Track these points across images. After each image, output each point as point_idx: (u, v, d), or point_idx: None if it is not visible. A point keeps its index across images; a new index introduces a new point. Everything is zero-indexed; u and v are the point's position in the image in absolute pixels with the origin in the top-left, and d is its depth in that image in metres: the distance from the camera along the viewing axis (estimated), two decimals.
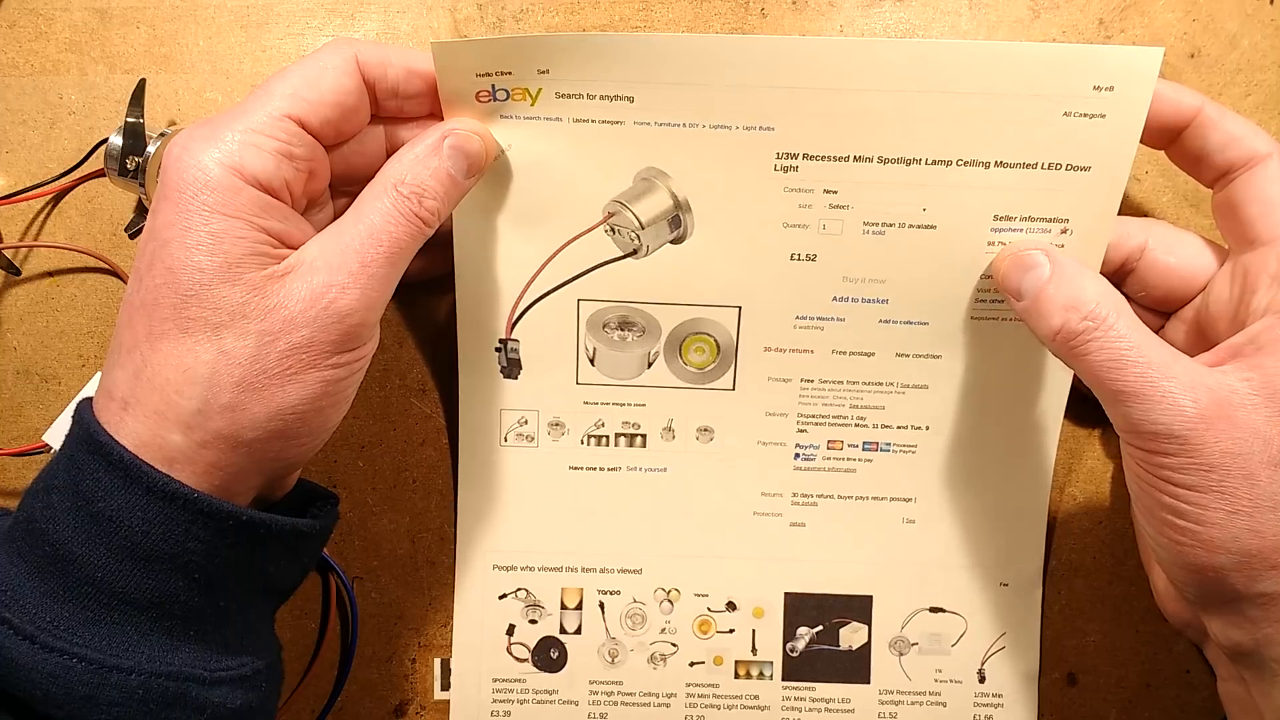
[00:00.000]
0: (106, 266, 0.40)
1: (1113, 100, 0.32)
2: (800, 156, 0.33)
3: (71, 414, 0.29)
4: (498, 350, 0.37)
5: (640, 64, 0.32)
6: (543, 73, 0.32)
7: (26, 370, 0.40)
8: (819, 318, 0.36)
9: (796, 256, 0.35)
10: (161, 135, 0.37)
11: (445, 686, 0.40)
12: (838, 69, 0.32)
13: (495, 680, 0.39)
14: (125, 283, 0.40)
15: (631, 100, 0.32)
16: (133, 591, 0.26)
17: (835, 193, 0.34)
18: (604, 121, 0.33)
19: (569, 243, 0.35)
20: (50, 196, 0.40)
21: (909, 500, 0.39)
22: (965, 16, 0.39)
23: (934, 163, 0.33)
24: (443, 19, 0.40)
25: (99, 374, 0.38)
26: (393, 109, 0.32)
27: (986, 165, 0.33)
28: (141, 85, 0.38)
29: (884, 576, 0.39)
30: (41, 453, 0.38)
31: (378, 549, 0.40)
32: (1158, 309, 0.35)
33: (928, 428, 0.38)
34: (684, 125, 0.33)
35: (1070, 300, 0.30)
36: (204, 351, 0.27)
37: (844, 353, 0.37)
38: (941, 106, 0.32)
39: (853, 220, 0.35)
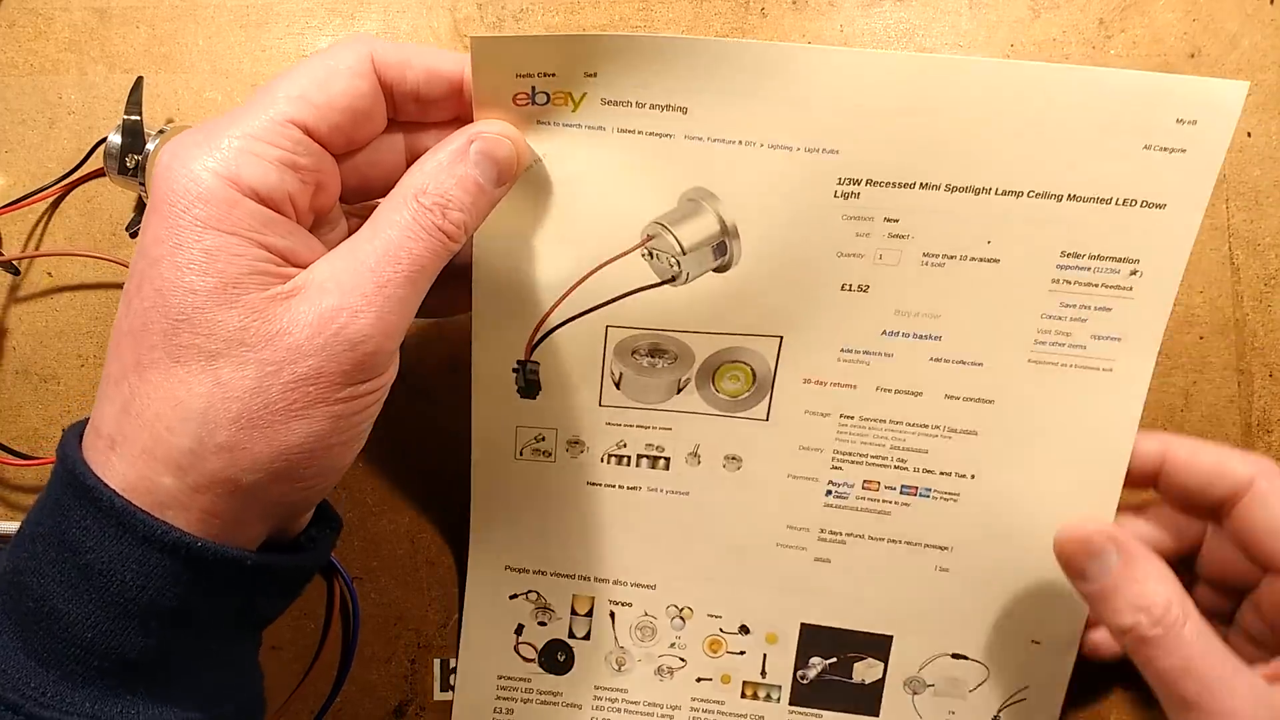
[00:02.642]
0: (110, 262, 0.40)
1: (1194, 135, 0.30)
2: (864, 183, 0.31)
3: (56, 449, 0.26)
4: (515, 371, 0.34)
5: (699, 70, 0.29)
6: (589, 76, 0.29)
7: (26, 370, 0.40)
8: (866, 352, 0.34)
9: (848, 287, 0.33)
10: (160, 133, 0.37)
11: (445, 687, 0.40)
12: (913, 88, 0.30)
13: (500, 678, 0.39)
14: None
15: (685, 111, 0.30)
16: (127, 650, 0.24)
17: (896, 221, 0.32)
18: (652, 134, 0.30)
19: (601, 267, 0.32)
20: (50, 199, 0.39)
21: (945, 549, 0.36)
22: (965, 16, 0.39)
23: (1004, 193, 0.31)
24: (442, 19, 0.40)
25: None
26: (413, 114, 0.29)
27: (1059, 198, 0.31)
28: (139, 83, 0.38)
29: (907, 619, 0.37)
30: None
31: (378, 549, 0.40)
32: (1226, 584, 0.33)
33: (973, 476, 0.35)
34: (740, 143, 0.30)
35: (1141, 600, 0.29)
36: (197, 383, 0.24)
37: (889, 390, 0.34)
38: (1018, 133, 0.30)
39: (912, 251, 0.32)
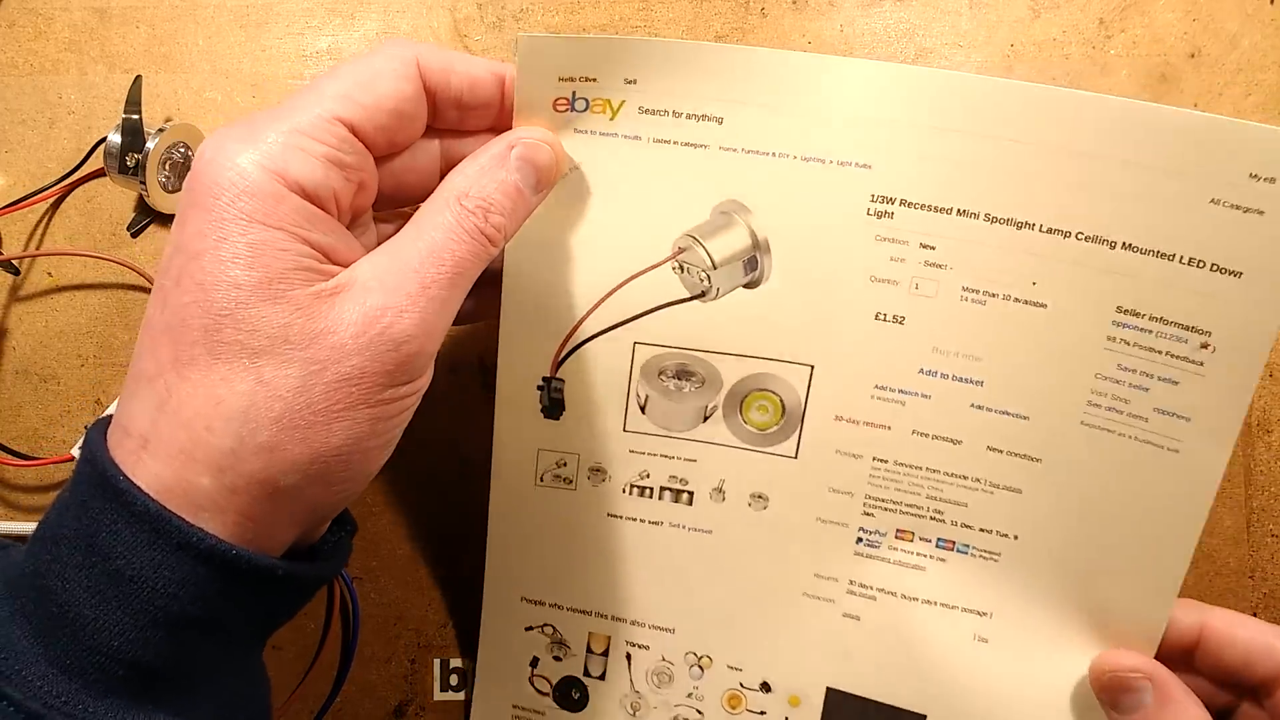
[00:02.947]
0: (110, 262, 0.40)
1: (1273, 195, 0.27)
2: (897, 202, 0.30)
3: (79, 447, 0.25)
4: (540, 389, 0.33)
5: (736, 80, 0.29)
6: (630, 83, 0.29)
7: (26, 370, 0.40)
8: (901, 390, 0.32)
9: (882, 317, 0.31)
10: (160, 131, 0.37)
11: (445, 687, 0.40)
12: (949, 106, 0.28)
13: (515, 707, 0.38)
14: (132, 269, 0.40)
15: (720, 122, 0.29)
16: (153, 659, 0.23)
17: (933, 249, 0.30)
18: (687, 144, 0.30)
19: (631, 279, 0.31)
20: (51, 199, 0.40)
21: (984, 615, 0.33)
22: (965, 16, 0.39)
23: (1049, 231, 0.29)
24: (443, 19, 0.40)
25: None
26: (452, 120, 0.29)
27: (1111, 245, 0.29)
28: (138, 82, 0.38)
29: (944, 697, 0.33)
30: (70, 462, 0.38)
31: (377, 549, 0.40)
32: None
33: (1016, 538, 0.32)
34: (773, 155, 0.30)
35: None
36: (239, 381, 0.23)
37: (926, 435, 0.32)
38: (1064, 167, 0.28)
39: (950, 283, 0.30)
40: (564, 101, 0.29)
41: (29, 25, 0.40)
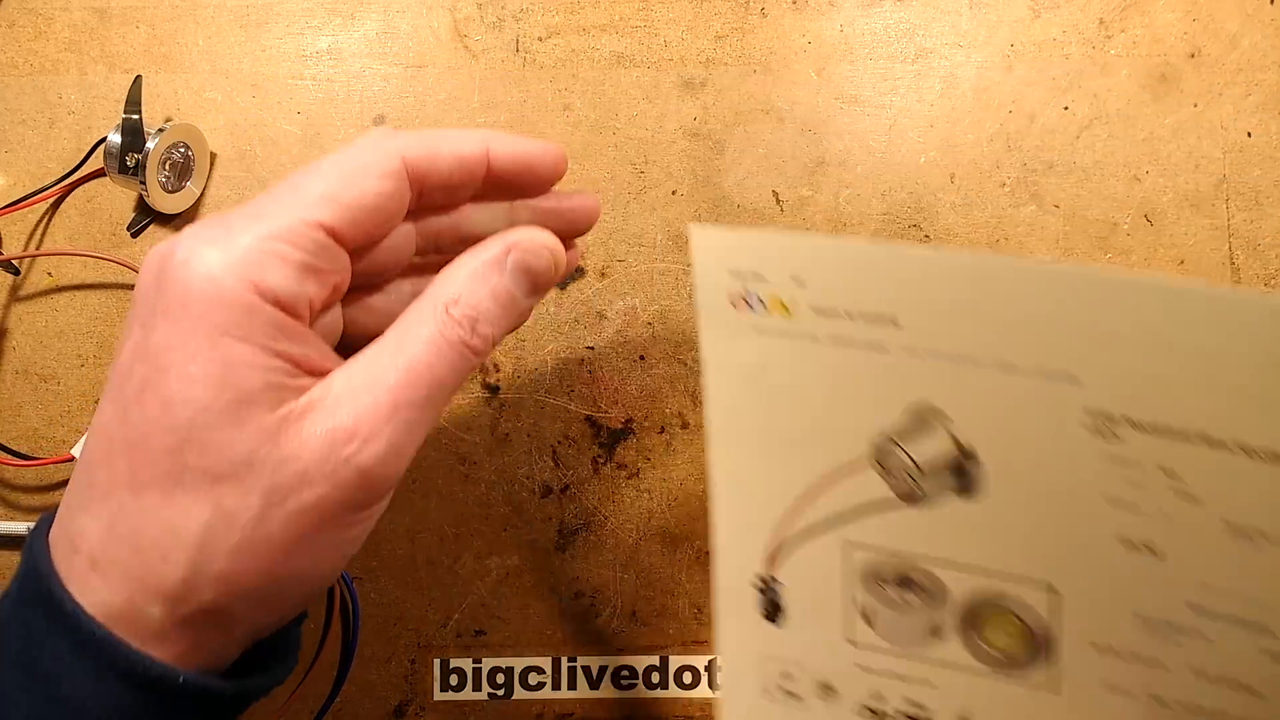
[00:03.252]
0: (110, 262, 0.40)
1: None
2: (1121, 421, 0.25)
3: (23, 551, 0.24)
4: (760, 590, 0.31)
5: (905, 279, 0.26)
6: (797, 281, 0.27)
7: (26, 370, 0.40)
8: (1170, 624, 0.27)
9: (1129, 544, 0.26)
10: (160, 131, 0.37)
11: (445, 687, 0.40)
12: (1168, 321, 0.23)
13: None
14: (132, 269, 0.40)
15: (895, 323, 0.27)
16: None
17: (1179, 478, 0.25)
18: (866, 345, 0.27)
19: (830, 476, 0.29)
20: (51, 199, 0.40)
21: None
22: (965, 16, 0.39)
23: None
24: (442, 19, 0.40)
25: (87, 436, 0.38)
26: (439, 201, 0.28)
27: None
28: (138, 82, 0.38)
29: None
30: (70, 463, 0.38)
31: (377, 549, 0.40)
32: None
33: None
34: (962, 360, 0.26)
35: None
36: (198, 510, 0.22)
37: (1212, 679, 0.27)
38: None
39: (1208, 518, 0.25)
40: (741, 299, 0.28)
41: (29, 25, 0.40)
